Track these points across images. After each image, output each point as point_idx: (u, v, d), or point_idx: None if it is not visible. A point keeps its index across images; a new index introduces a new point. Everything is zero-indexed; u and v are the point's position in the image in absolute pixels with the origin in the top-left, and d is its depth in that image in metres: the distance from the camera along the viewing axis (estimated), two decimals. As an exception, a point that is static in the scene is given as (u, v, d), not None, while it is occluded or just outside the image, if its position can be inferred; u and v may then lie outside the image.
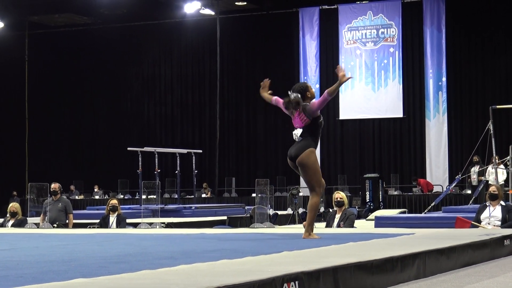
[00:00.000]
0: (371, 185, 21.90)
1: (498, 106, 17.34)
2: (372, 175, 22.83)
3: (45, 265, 5.24)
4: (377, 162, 26.96)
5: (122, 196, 25.25)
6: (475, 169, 20.32)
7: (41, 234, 9.88)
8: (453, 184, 19.10)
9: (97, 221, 13.15)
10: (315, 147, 7.67)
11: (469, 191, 21.63)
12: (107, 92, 30.68)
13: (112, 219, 12.70)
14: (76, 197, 27.11)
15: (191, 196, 23.57)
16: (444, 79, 26.13)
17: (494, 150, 16.04)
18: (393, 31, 26.68)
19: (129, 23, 29.65)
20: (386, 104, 26.70)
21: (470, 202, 17.35)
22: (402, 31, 26.61)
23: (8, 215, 12.84)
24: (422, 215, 15.14)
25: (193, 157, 20.62)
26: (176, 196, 22.75)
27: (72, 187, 28.20)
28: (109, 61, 30.48)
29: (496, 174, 16.51)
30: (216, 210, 19.86)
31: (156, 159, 19.43)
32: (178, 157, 19.99)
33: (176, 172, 19.90)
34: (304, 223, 8.33)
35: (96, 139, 30.79)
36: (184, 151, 21.34)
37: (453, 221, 10.69)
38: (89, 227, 12.66)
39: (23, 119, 31.20)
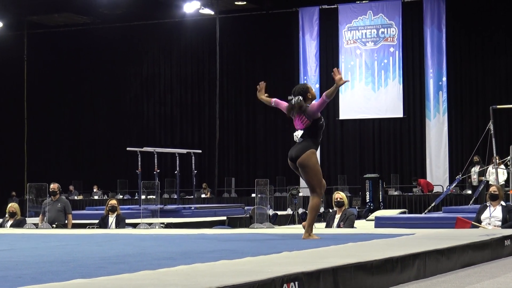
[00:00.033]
0: (371, 185, 21.88)
1: (498, 106, 17.32)
2: (372, 175, 22.80)
3: (44, 265, 5.24)
4: (377, 162, 26.94)
5: (121, 197, 25.22)
6: (475, 169, 20.30)
7: (40, 234, 9.88)
8: (454, 184, 19.07)
9: (96, 221, 13.14)
10: (316, 149, 7.66)
11: (469, 192, 21.61)
12: (106, 92, 30.66)
13: (111, 219, 12.68)
14: (75, 197, 27.09)
15: (190, 197, 23.55)
16: (444, 79, 26.11)
17: (494, 150, 16.03)
18: (393, 31, 26.67)
19: (128, 22, 29.63)
20: (386, 104, 26.69)
21: (471, 203, 17.32)
22: (402, 31, 26.59)
23: (7, 215, 12.83)
24: (422, 215, 15.14)
25: (193, 157, 20.60)
26: (175, 197, 22.73)
27: (71, 187, 28.19)
28: (108, 61, 30.46)
29: (496, 174, 16.50)
30: (215, 210, 19.86)
31: (156, 159, 19.41)
32: (177, 157, 19.96)
33: (176, 172, 19.88)
34: (303, 223, 8.31)
35: (95, 139, 30.76)
36: (184, 151, 21.31)
37: (454, 222, 10.67)
38: (88, 228, 12.65)
39: (22, 119, 31.20)
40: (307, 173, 7.59)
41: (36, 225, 12.44)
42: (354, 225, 11.08)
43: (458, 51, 26.23)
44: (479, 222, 10.58)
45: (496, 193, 10.74)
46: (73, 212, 14.62)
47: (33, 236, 9.49)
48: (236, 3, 28.25)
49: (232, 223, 16.31)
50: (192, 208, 19.44)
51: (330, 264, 4.64)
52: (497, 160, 16.42)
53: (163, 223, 13.93)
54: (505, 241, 7.37)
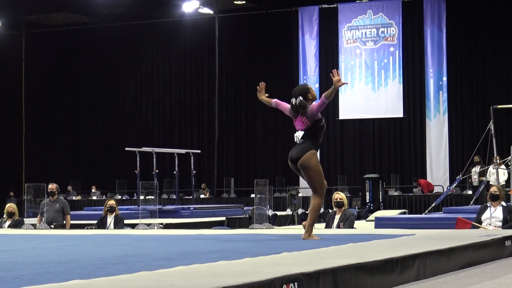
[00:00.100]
0: (371, 186, 21.86)
1: (499, 106, 17.29)
2: (372, 175, 22.79)
3: (42, 266, 5.23)
4: (377, 163, 26.92)
5: (120, 197, 25.21)
6: (476, 169, 20.28)
7: (38, 235, 9.88)
8: (454, 185, 19.05)
9: (95, 222, 13.12)
10: (317, 149, 7.64)
11: (470, 192, 21.58)
12: (105, 91, 30.63)
13: (110, 220, 12.67)
14: (74, 198, 27.06)
15: (189, 197, 23.53)
16: (444, 78, 26.09)
17: (495, 150, 16.01)
18: (393, 30, 26.65)
19: (127, 22, 29.62)
20: (386, 104, 26.67)
21: (471, 203, 17.31)
22: (402, 30, 26.58)
23: (5, 215, 12.82)
24: (423, 215, 15.13)
25: (192, 157, 20.58)
26: (174, 197, 22.69)
27: (69, 188, 28.17)
28: (107, 61, 30.44)
29: (497, 175, 16.48)
30: (214, 210, 19.84)
31: (154, 159, 19.39)
32: (176, 157, 19.95)
33: (175, 172, 19.86)
34: (303, 223, 8.28)
35: (93, 139, 30.74)
36: (183, 151, 21.29)
37: (454, 222, 10.65)
38: (87, 228, 12.63)
39: (20, 119, 31.17)
40: (309, 174, 7.57)
41: (34, 226, 12.42)
42: (354, 226, 11.05)
43: (458, 51, 26.22)
44: (480, 222, 10.56)
45: (496, 193, 10.72)
46: (72, 212, 14.61)
47: (31, 236, 9.48)
48: (235, 2, 28.23)
49: (231, 223, 16.29)
50: (191, 208, 19.42)
51: (329, 265, 4.62)
52: (498, 160, 16.40)
53: (162, 224, 13.91)
54: (506, 241, 7.36)
